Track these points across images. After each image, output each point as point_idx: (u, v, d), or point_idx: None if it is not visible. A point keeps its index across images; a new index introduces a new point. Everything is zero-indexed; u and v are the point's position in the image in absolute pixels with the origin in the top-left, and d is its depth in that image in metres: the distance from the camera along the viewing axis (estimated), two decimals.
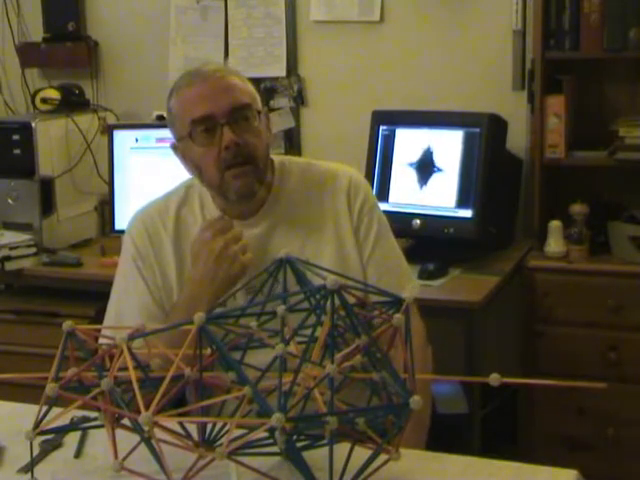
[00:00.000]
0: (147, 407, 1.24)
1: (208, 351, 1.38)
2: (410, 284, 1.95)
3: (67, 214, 3.32)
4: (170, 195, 1.97)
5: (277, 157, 1.96)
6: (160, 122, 3.25)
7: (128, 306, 1.90)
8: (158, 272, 1.89)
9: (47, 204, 3.23)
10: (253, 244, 1.86)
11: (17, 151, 3.19)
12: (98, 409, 1.40)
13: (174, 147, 1.91)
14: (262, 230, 1.88)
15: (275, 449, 1.33)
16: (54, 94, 3.45)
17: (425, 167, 3.02)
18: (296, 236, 1.88)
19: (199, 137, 1.80)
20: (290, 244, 1.84)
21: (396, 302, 1.40)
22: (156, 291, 1.89)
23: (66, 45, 3.72)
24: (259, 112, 1.84)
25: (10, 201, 3.22)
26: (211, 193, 1.91)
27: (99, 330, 1.54)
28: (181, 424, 1.35)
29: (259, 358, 1.44)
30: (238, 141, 1.78)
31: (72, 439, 1.56)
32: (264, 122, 1.87)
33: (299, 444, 1.34)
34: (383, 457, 1.33)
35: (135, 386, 1.27)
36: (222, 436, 1.37)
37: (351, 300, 1.37)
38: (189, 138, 1.81)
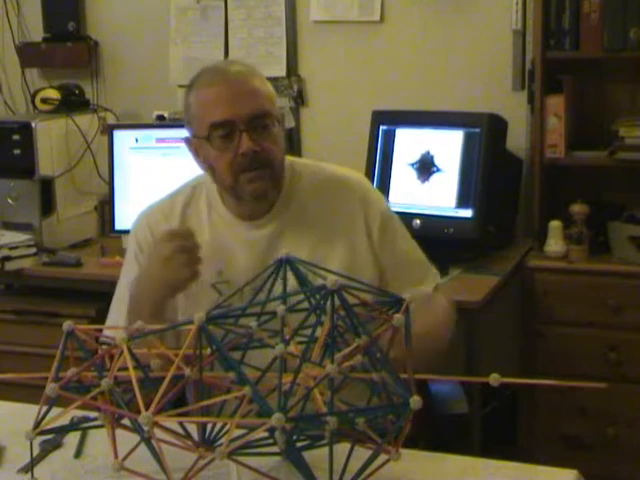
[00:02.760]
0: (147, 407, 1.24)
1: (208, 351, 1.38)
2: (430, 275, 1.97)
3: (67, 214, 3.32)
4: (176, 195, 1.95)
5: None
6: (160, 122, 3.25)
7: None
8: None
9: (47, 204, 3.23)
10: (262, 244, 1.85)
11: (17, 151, 3.19)
12: (98, 409, 1.40)
13: (187, 141, 1.88)
14: (272, 230, 1.87)
15: (275, 449, 1.33)
16: (54, 94, 3.45)
17: (425, 167, 3.02)
18: (306, 238, 1.87)
19: (217, 141, 1.78)
20: (300, 246, 1.83)
21: (396, 302, 1.40)
22: None
23: (66, 45, 3.72)
24: (278, 120, 1.82)
25: (10, 201, 3.22)
26: (221, 192, 1.89)
27: (99, 330, 1.54)
28: (181, 424, 1.35)
29: (259, 358, 1.44)
30: (256, 149, 1.76)
31: (72, 439, 1.57)
32: (281, 128, 1.85)
33: (299, 444, 1.35)
34: (383, 457, 1.33)
35: (135, 386, 1.27)
36: (222, 436, 1.37)
37: (353, 301, 1.37)
38: (206, 140, 1.79)
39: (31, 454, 1.41)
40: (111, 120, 3.53)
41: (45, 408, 1.37)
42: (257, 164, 1.77)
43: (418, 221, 2.95)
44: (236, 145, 1.76)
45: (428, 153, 3.02)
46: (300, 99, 3.51)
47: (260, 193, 1.81)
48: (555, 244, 2.95)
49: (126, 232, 3.09)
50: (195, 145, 1.84)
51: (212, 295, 1.83)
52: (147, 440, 1.32)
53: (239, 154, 1.76)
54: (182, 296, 1.84)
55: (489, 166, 2.90)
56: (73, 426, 1.52)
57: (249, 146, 1.75)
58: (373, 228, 1.90)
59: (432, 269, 2.01)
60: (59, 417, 1.39)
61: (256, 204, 1.85)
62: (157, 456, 1.29)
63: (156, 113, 3.31)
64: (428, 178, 3.01)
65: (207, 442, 1.36)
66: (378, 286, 1.85)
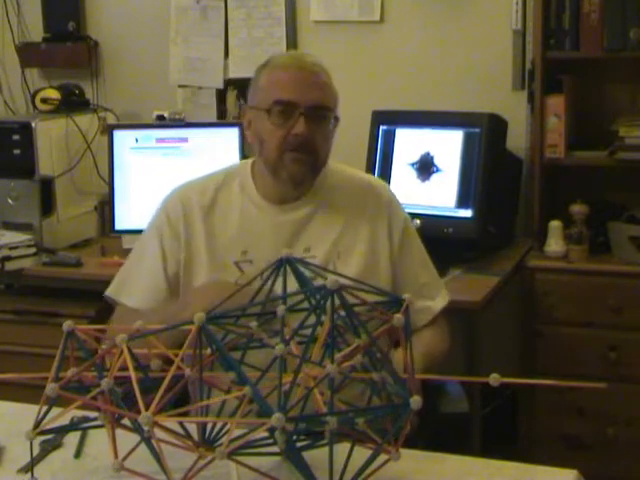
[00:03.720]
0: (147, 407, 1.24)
1: (208, 351, 1.38)
2: (440, 294, 2.04)
3: (67, 214, 3.32)
4: (210, 177, 2.01)
5: None
6: (160, 122, 3.25)
7: (137, 272, 1.95)
8: (183, 246, 1.92)
9: (47, 204, 3.22)
10: (289, 229, 1.92)
11: (17, 151, 3.19)
12: (98, 409, 1.40)
13: (243, 111, 2.00)
14: (299, 217, 1.93)
15: (275, 449, 1.33)
16: (54, 94, 3.45)
17: (425, 167, 3.02)
18: (331, 229, 1.93)
19: (275, 116, 1.85)
20: (324, 235, 1.92)
21: (396, 302, 1.40)
22: (172, 263, 1.92)
23: (66, 45, 3.72)
24: (336, 119, 1.91)
25: (10, 201, 3.22)
26: (255, 176, 1.95)
27: (99, 330, 1.54)
28: (181, 424, 1.35)
29: (259, 357, 1.44)
30: (308, 134, 1.84)
31: (72, 439, 1.56)
32: (334, 129, 1.93)
33: (299, 444, 1.35)
34: (383, 457, 1.33)
35: (135, 386, 1.27)
36: (222, 436, 1.37)
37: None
38: (266, 112, 1.86)
39: (31, 454, 1.41)
40: (111, 120, 3.53)
41: (45, 408, 1.37)
42: (304, 149, 1.85)
43: (418, 221, 2.93)
44: (291, 125, 1.84)
45: (428, 153, 3.02)
46: None
47: (298, 177, 1.89)
48: (555, 244, 2.95)
49: (126, 232, 3.14)
50: (250, 116, 1.93)
51: (234, 272, 1.88)
52: (147, 440, 1.32)
53: (292, 134, 1.84)
54: (205, 270, 1.89)
55: (489, 166, 2.90)
56: (73, 426, 1.52)
57: (303, 129, 1.84)
58: (394, 234, 1.98)
59: (443, 289, 2.07)
60: (59, 417, 1.39)
61: (289, 187, 1.91)
62: (157, 456, 1.29)
63: (156, 113, 3.31)
64: (428, 178, 3.01)
65: (207, 442, 1.36)
66: (395, 290, 1.90)
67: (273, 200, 1.93)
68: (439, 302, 2.03)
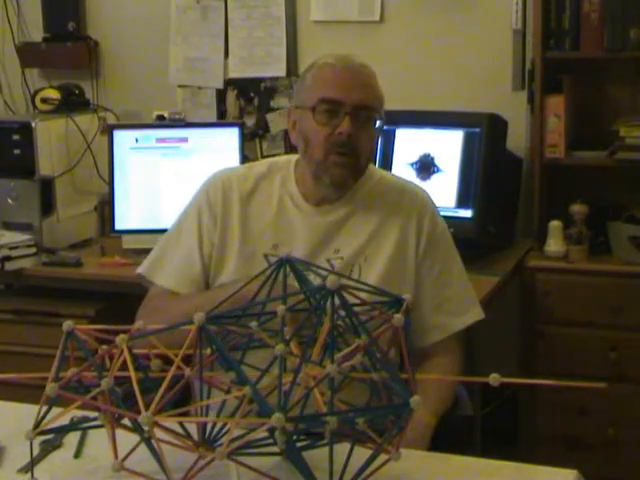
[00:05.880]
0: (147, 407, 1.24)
1: (208, 351, 1.38)
2: (467, 312, 2.02)
3: (67, 214, 3.31)
4: (253, 167, 2.04)
5: None
6: (160, 122, 3.25)
7: (173, 250, 1.98)
8: (219, 228, 1.94)
9: (47, 204, 3.22)
10: (322, 231, 1.93)
11: (17, 151, 3.19)
12: (98, 409, 1.40)
13: (289, 111, 2.00)
14: (334, 219, 1.95)
15: (275, 449, 1.33)
16: (54, 94, 3.45)
17: (425, 167, 3.02)
18: (362, 234, 1.94)
19: (320, 114, 1.87)
20: (353, 240, 1.93)
21: (396, 302, 1.40)
22: (207, 244, 1.94)
23: (66, 45, 3.72)
24: (381, 120, 1.92)
25: (10, 201, 3.22)
26: (297, 174, 1.97)
27: (99, 330, 1.54)
28: (181, 424, 1.35)
29: (260, 357, 1.44)
30: (352, 133, 1.85)
31: (72, 439, 1.56)
32: (377, 132, 1.94)
33: (299, 444, 1.35)
34: (383, 457, 1.33)
35: (135, 386, 1.27)
36: (222, 436, 1.37)
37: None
38: (311, 111, 1.87)
39: (31, 454, 1.41)
40: (111, 120, 3.53)
41: (45, 408, 1.37)
42: (348, 149, 1.87)
43: None
44: (336, 124, 1.86)
45: (428, 153, 3.02)
46: None
47: (339, 181, 1.90)
48: (555, 244, 2.95)
49: (126, 232, 3.14)
50: (295, 116, 1.94)
51: (262, 263, 1.89)
52: (147, 440, 1.32)
53: (336, 132, 1.86)
54: (235, 257, 1.92)
55: (489, 166, 2.90)
56: (73, 426, 1.52)
57: (348, 128, 1.85)
58: (422, 238, 1.96)
59: (474, 308, 2.05)
60: (59, 417, 1.39)
61: (330, 190, 1.92)
62: (157, 456, 1.29)
63: (156, 113, 3.30)
64: (428, 178, 3.01)
65: (207, 442, 1.36)
66: (414, 298, 1.86)
67: (311, 200, 1.95)
68: (460, 321, 2.00)
